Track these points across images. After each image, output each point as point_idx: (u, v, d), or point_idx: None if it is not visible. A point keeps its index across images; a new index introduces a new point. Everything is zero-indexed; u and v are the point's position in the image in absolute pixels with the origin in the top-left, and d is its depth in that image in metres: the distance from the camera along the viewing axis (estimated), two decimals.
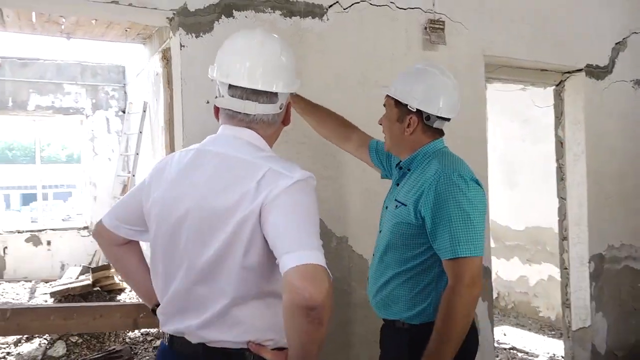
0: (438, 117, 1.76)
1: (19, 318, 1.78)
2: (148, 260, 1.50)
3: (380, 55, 2.70)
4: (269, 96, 1.33)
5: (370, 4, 2.68)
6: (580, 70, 3.45)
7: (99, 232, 1.49)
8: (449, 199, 1.60)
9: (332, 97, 2.56)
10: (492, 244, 5.51)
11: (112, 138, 7.74)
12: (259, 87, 1.31)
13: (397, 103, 1.77)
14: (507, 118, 5.46)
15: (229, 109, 1.34)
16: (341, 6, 2.60)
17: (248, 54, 1.32)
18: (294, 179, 1.23)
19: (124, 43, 6.46)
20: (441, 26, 2.85)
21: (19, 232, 7.22)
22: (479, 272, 1.61)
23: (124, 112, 7.62)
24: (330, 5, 2.57)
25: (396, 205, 1.75)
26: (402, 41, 2.77)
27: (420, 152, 1.77)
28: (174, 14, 2.22)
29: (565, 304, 3.57)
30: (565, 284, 3.58)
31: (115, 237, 1.47)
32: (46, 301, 5.10)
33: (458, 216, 1.58)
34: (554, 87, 3.65)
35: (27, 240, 7.22)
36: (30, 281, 6.77)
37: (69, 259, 7.24)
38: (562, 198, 3.61)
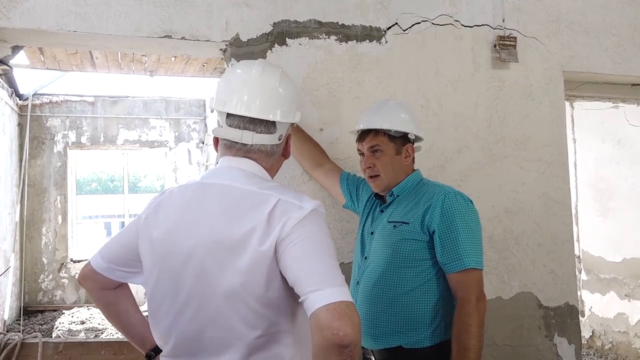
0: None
1: (71, 352, 1.79)
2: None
3: (444, 77, 2.54)
4: (267, 126, 1.29)
5: (433, 23, 2.54)
6: None
7: (87, 276, 1.37)
8: (456, 215, 1.69)
9: None
10: (584, 276, 5.05)
11: (193, 169, 8.04)
12: (256, 116, 1.27)
13: (391, 137, 1.80)
14: (598, 139, 5.01)
15: (227, 139, 1.30)
16: (400, 28, 2.49)
17: (246, 84, 1.29)
18: (307, 209, 1.17)
19: (202, 78, 6.71)
20: (512, 42, 2.65)
21: None
22: (483, 285, 1.69)
23: (203, 143, 7.91)
24: (389, 27, 2.47)
25: (394, 225, 1.76)
26: (468, 61, 2.59)
27: (409, 180, 1.85)
28: (226, 45, 2.22)
29: None
30: None
31: (106, 280, 1.36)
32: None
33: (465, 231, 1.68)
34: None
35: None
36: None
37: None
38: None
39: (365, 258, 1.84)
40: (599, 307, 4.99)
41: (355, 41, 2.40)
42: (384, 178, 1.82)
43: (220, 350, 1.18)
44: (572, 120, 5.16)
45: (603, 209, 4.93)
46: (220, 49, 2.26)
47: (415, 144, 1.89)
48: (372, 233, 1.86)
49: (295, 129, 2.12)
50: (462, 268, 1.65)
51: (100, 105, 7.75)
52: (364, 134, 1.85)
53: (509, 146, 2.64)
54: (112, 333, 5.40)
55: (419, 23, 2.51)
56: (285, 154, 1.39)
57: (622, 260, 4.76)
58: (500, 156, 2.61)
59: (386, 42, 2.46)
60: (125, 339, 1.75)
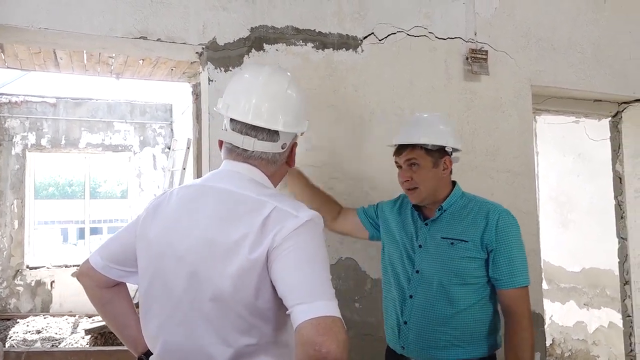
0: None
1: None
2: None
3: (418, 87, 2.58)
4: (269, 133, 1.28)
5: (408, 34, 2.58)
6: (638, 100, 3.21)
7: (85, 273, 1.37)
8: (510, 234, 1.74)
9: (367, 131, 2.45)
10: (545, 286, 5.18)
11: (157, 174, 7.88)
12: (256, 123, 1.25)
13: (428, 151, 1.80)
14: (560, 152, 5.17)
15: (229, 143, 1.29)
16: (377, 37, 2.51)
17: (251, 90, 1.28)
18: (302, 219, 1.14)
19: (170, 82, 6.59)
20: (484, 56, 2.71)
21: (66, 266, 7.35)
22: None
23: (169, 148, 7.77)
24: (365, 37, 2.49)
25: (452, 243, 1.77)
26: (441, 72, 2.64)
27: (454, 194, 1.86)
28: (203, 48, 2.19)
29: (629, 355, 3.23)
30: (628, 333, 3.25)
31: (103, 278, 1.36)
32: (83, 337, 5.10)
33: (518, 249, 1.75)
34: (609, 118, 3.42)
35: (73, 275, 7.29)
36: (74, 315, 6.83)
37: None
38: (622, 238, 3.32)
39: (417, 272, 1.82)
40: (559, 315, 5.13)
41: (331, 49, 2.41)
42: (422, 190, 1.81)
43: (208, 357, 1.15)
44: (535, 133, 5.31)
45: (564, 221, 5.08)
46: (197, 52, 2.23)
47: (453, 155, 1.87)
48: (420, 246, 1.83)
49: (297, 175, 2.07)
50: (517, 285, 1.72)
51: (63, 107, 7.52)
52: (401, 148, 1.84)
53: (479, 157, 2.69)
54: (70, 343, 5.20)
55: (395, 34, 2.55)
56: (289, 162, 1.37)
57: (582, 270, 4.91)
58: (470, 166, 2.66)
59: (362, 51, 2.48)
60: (92, 349, 1.68)
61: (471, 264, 1.75)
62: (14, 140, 7.22)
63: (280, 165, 1.33)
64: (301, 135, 1.39)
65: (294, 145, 1.36)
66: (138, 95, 7.98)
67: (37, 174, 8.15)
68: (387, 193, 2.46)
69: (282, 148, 1.30)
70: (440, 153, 1.81)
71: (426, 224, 1.85)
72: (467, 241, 1.75)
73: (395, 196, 2.47)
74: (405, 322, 1.81)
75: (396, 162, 1.88)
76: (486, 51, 2.71)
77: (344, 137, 2.41)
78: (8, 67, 5.76)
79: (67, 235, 29.85)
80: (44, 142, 7.40)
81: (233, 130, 1.27)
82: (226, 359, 1.14)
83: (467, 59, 2.69)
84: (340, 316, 1.04)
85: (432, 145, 1.80)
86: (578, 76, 3.00)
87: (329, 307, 1.04)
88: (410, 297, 1.81)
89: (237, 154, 1.28)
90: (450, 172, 1.87)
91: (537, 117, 5.22)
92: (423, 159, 1.80)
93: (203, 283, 1.15)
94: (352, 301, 2.38)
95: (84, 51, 5.11)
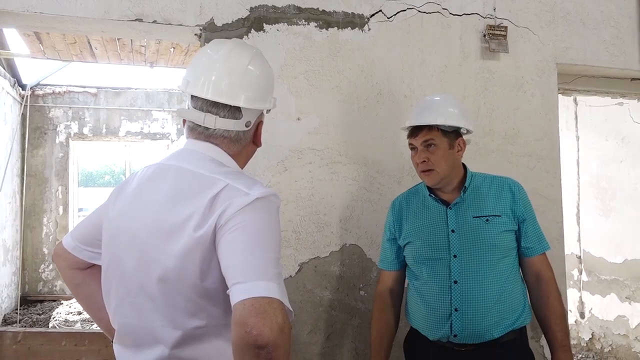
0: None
1: (30, 342, 1.75)
2: None
3: (430, 67, 2.46)
4: (231, 111, 1.22)
5: (419, 11, 2.46)
6: None
7: (58, 254, 1.36)
8: (529, 202, 1.86)
9: (373, 113, 2.36)
10: (585, 277, 4.94)
11: None
12: (214, 99, 1.20)
13: (444, 132, 1.80)
14: (601, 137, 4.87)
15: (191, 122, 1.24)
16: (385, 15, 2.40)
17: (211, 65, 1.23)
18: (252, 197, 1.09)
19: None
20: (503, 32, 2.55)
21: None
22: None
23: None
24: (373, 15, 2.39)
25: (487, 220, 1.79)
26: (456, 50, 2.50)
27: (469, 174, 1.88)
28: (200, 29, 2.15)
29: None
30: None
31: (75, 260, 1.34)
32: None
33: (535, 216, 1.86)
34: None
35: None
36: None
37: None
38: None
39: (455, 256, 1.78)
40: (599, 309, 4.86)
41: (336, 28, 2.33)
42: (438, 172, 1.80)
43: (157, 339, 1.13)
44: (576, 117, 5.03)
45: (605, 209, 4.80)
46: (195, 34, 2.19)
47: (465, 137, 1.87)
48: (453, 231, 1.80)
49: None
50: (544, 250, 1.85)
51: (103, 97, 7.73)
52: (416, 129, 1.82)
53: (497, 140, 2.54)
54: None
55: (405, 10, 2.43)
56: (256, 142, 1.32)
57: (624, 261, 4.63)
58: (487, 150, 2.52)
59: (369, 29, 2.37)
60: (87, 331, 1.69)
61: (508, 236, 1.80)
62: (57, 129, 7.48)
63: (245, 145, 1.28)
64: (267, 112, 1.33)
65: (259, 123, 1.31)
66: (174, 83, 8.11)
67: (91, 163, 8.44)
68: (394, 178, 2.37)
69: (247, 126, 1.25)
70: (455, 134, 1.83)
71: (450, 208, 1.83)
72: (500, 215, 1.79)
73: (403, 180, 2.38)
74: (457, 309, 1.75)
75: (410, 145, 1.86)
76: (505, 27, 2.55)
77: (349, 120, 2.33)
78: (48, 58, 5.98)
79: None
80: (85, 130, 7.63)
81: (194, 107, 1.22)
82: (174, 341, 1.11)
83: (484, 36, 2.54)
84: (281, 298, 0.99)
85: (447, 126, 1.79)
86: (611, 53, 2.78)
87: (268, 288, 0.98)
88: (455, 282, 1.77)
89: (199, 132, 1.23)
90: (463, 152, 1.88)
91: (577, 99, 4.95)
92: (440, 139, 1.80)
93: (151, 264, 1.12)
94: (357, 289, 2.31)
95: (117, 40, 5.24)
